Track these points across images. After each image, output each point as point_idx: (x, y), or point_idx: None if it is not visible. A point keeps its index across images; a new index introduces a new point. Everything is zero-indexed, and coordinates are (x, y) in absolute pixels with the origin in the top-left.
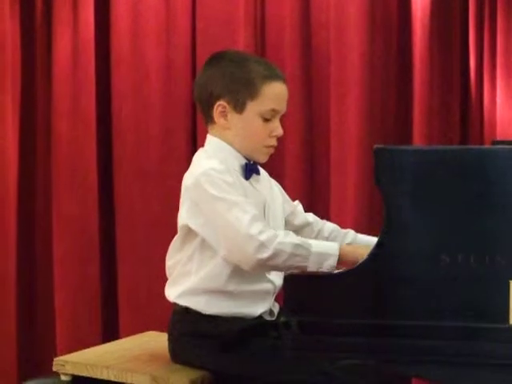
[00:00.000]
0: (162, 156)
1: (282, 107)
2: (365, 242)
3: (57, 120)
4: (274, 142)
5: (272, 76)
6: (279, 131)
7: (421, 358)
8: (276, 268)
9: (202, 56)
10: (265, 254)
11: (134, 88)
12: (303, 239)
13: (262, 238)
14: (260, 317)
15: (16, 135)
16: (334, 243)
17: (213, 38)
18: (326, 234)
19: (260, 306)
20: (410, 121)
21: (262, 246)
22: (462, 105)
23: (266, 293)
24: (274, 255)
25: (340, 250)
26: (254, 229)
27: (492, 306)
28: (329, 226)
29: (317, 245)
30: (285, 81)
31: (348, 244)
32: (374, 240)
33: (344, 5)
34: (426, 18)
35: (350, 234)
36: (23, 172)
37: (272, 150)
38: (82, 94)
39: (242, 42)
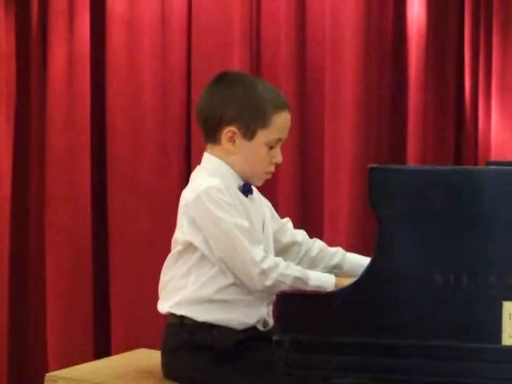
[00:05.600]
0: (156, 171)
1: (286, 136)
2: (354, 261)
3: (51, 133)
4: (272, 169)
5: (282, 106)
6: (279, 158)
7: (413, 377)
8: (272, 294)
9: (197, 72)
10: (266, 283)
11: (128, 103)
12: (303, 272)
13: (265, 266)
14: (254, 327)
15: (10, 147)
16: (332, 276)
17: (208, 54)
18: (313, 254)
19: (254, 315)
20: (405, 140)
21: (264, 274)
22: (456, 125)
23: (261, 302)
24: (274, 285)
25: (336, 285)
26: (257, 255)
27: (485, 326)
28: (317, 245)
29: (314, 278)
30: (290, 109)
31: (341, 275)
32: (364, 259)
33: (339, 24)
34: (422, 38)
35: (339, 253)
36: (17, 185)
37: (269, 176)
38: (76, 108)
39: (237, 58)
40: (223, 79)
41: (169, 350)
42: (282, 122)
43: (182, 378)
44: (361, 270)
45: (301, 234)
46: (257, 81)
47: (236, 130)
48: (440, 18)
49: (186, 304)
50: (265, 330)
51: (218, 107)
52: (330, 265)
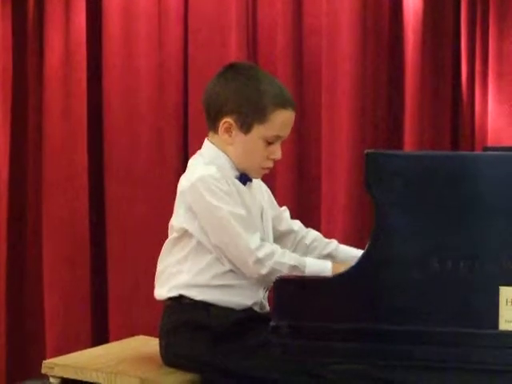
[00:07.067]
0: (153, 159)
1: (287, 133)
2: (348, 252)
3: (48, 123)
4: (270, 164)
5: (283, 103)
6: (278, 155)
7: (410, 363)
8: (269, 282)
9: (194, 61)
10: (261, 271)
11: (125, 92)
12: (299, 259)
13: (260, 254)
14: (251, 308)
15: (7, 138)
16: (328, 262)
17: (205, 43)
18: (307, 242)
19: (251, 297)
20: (402, 127)
21: (259, 262)
22: (453, 111)
23: (258, 286)
24: (270, 273)
25: (333, 270)
26: (253, 243)
27: (482, 312)
28: (312, 235)
29: (311, 265)
30: (294, 108)
31: (338, 260)
32: (357, 251)
33: (336, 11)
34: (418, 24)
35: (332, 244)
36: (14, 175)
37: (267, 171)
38: (73, 98)
39: (234, 46)
40: (230, 70)
41: (167, 330)
42: (281, 120)
43: (181, 357)
44: (354, 261)
45: (297, 224)
46: (263, 76)
47: (232, 122)
48: (436, 3)
49: (182, 287)
50: (261, 312)
51: (220, 97)
52: (323, 254)
